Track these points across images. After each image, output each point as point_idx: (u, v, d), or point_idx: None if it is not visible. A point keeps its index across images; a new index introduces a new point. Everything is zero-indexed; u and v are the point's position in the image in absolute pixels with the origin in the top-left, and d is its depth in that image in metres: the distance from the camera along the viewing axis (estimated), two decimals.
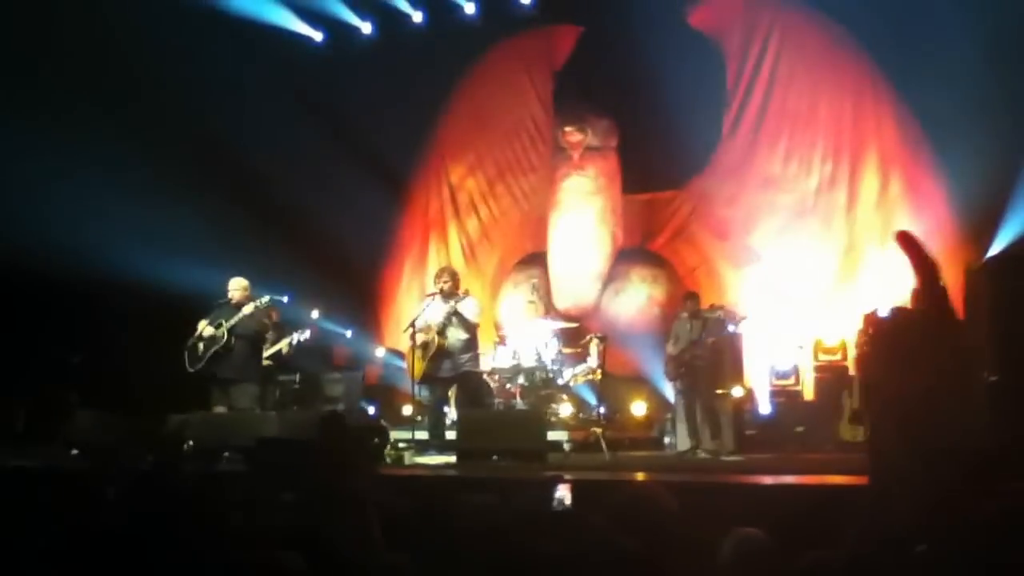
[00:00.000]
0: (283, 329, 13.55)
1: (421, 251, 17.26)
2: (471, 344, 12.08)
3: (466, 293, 12.17)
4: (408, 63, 16.29)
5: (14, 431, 13.48)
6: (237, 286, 12.21)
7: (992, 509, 3.31)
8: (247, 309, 11.96)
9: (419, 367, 11.99)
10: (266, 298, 12.21)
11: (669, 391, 13.22)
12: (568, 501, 5.29)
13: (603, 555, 3.77)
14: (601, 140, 16.09)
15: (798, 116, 14.85)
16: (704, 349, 12.25)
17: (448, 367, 11.97)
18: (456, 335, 11.88)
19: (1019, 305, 10.25)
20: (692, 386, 12.28)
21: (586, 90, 16.02)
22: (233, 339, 11.88)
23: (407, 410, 14.24)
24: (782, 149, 14.95)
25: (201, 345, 11.94)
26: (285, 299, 14.14)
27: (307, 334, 13.53)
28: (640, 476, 9.58)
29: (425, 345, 11.91)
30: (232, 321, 11.91)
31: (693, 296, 12.81)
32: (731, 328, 12.39)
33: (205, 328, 11.95)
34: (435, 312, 11.96)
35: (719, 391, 12.48)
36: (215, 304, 12.26)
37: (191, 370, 11.90)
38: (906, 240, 2.04)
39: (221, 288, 12.40)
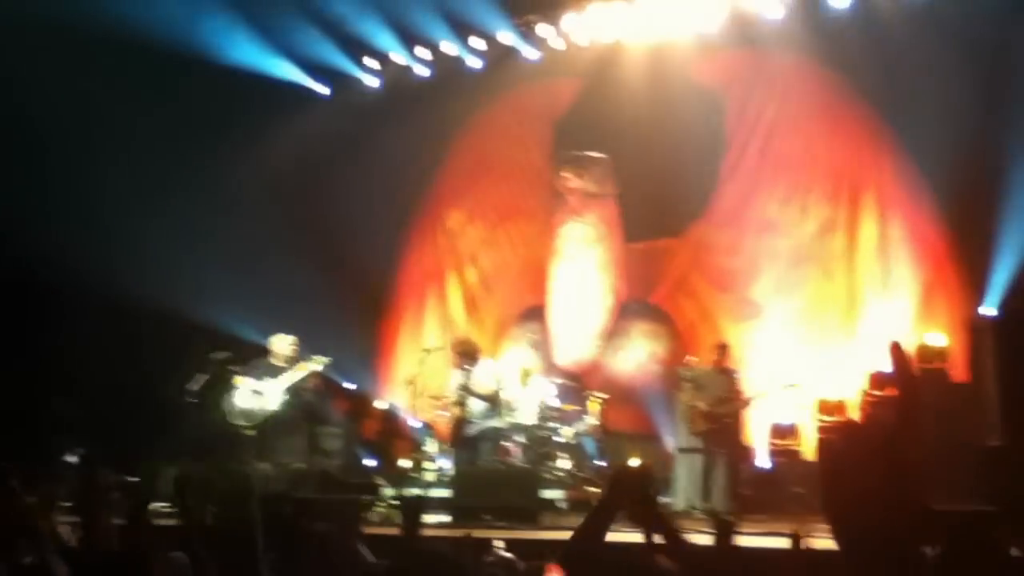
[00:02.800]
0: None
1: (419, 303, 17.18)
2: (492, 406, 12.54)
3: (477, 356, 12.66)
4: (410, 113, 16.33)
5: None
6: (286, 343, 12.17)
7: None
8: (299, 373, 11.97)
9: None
10: (319, 361, 12.12)
11: (671, 447, 13.10)
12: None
13: None
14: (599, 186, 15.98)
15: (797, 159, 14.76)
16: (734, 407, 12.16)
17: (471, 429, 12.53)
18: (474, 403, 12.49)
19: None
20: (721, 443, 12.11)
21: (584, 136, 15.95)
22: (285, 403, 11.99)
23: (405, 463, 14.21)
24: (780, 191, 14.85)
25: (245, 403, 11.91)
26: None
27: None
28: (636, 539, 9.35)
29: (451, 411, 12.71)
30: (286, 384, 12.02)
31: (725, 349, 12.68)
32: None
33: (245, 386, 11.87)
34: (454, 381, 12.61)
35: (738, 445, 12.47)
36: (255, 361, 12.22)
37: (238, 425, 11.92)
38: (896, 354, 1.95)
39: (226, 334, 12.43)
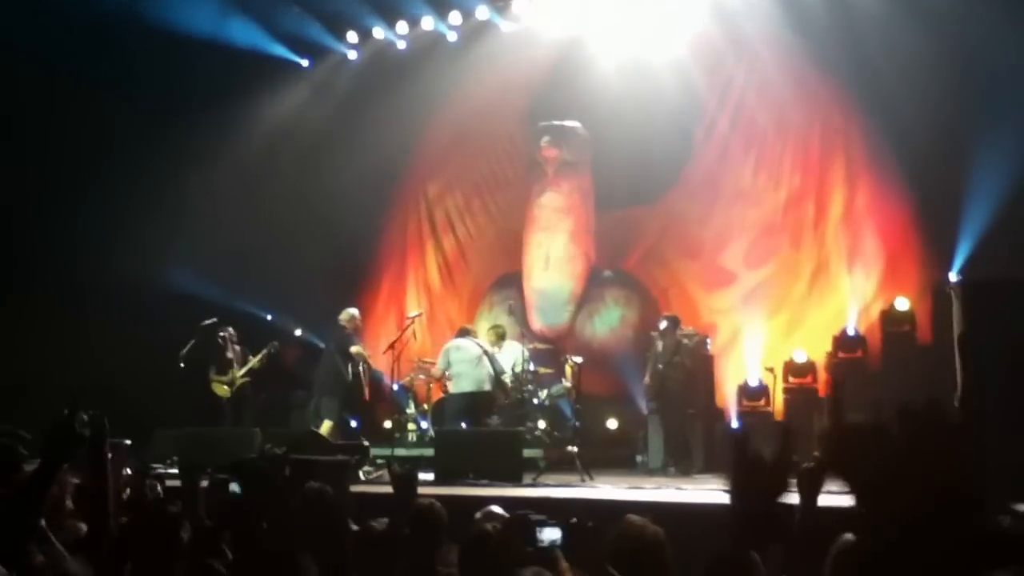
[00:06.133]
0: (246, 349, 13.86)
1: (400, 271, 17.44)
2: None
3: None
4: (391, 87, 16.52)
5: None
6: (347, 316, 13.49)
7: None
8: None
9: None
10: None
11: (643, 410, 13.46)
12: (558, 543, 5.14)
13: None
14: (575, 156, 16.17)
15: (768, 129, 15.03)
16: (676, 370, 12.55)
17: None
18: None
19: (987, 331, 10.32)
20: (666, 406, 12.58)
21: (560, 106, 16.10)
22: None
23: (388, 424, 14.55)
24: (752, 161, 15.13)
25: None
26: (269, 317, 14.55)
27: (276, 345, 13.84)
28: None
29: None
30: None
31: (667, 318, 13.10)
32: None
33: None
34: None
35: (690, 411, 12.79)
36: None
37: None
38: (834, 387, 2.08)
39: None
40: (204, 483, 6.11)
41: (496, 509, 5.81)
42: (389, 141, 16.32)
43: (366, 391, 13.75)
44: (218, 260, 15.02)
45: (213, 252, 15.07)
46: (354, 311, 13.57)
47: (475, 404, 13.05)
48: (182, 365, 13.03)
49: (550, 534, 4.45)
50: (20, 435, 4.20)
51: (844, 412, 2.16)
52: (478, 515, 5.64)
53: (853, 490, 2.32)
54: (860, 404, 2.66)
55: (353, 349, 13.23)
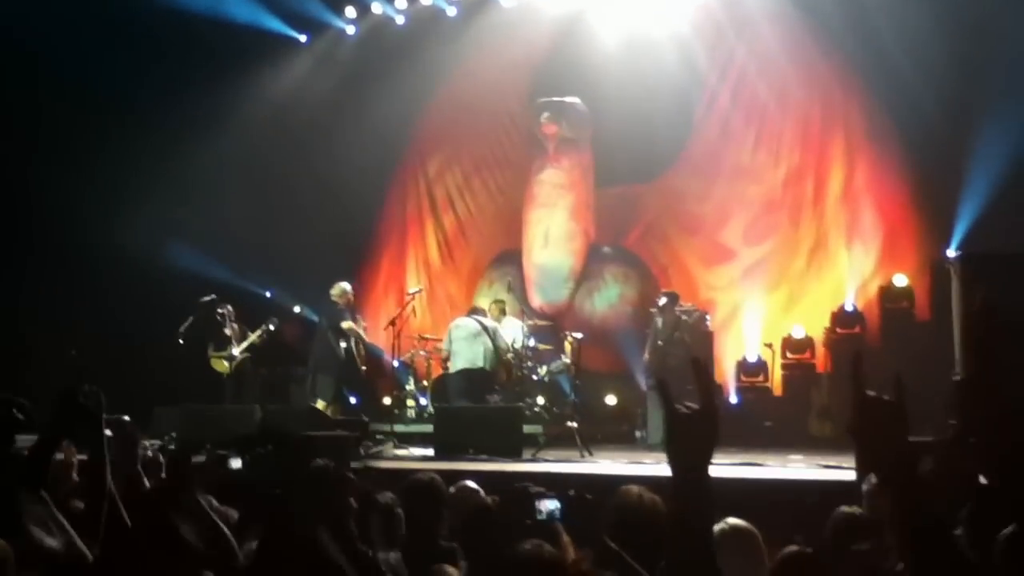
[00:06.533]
0: (244, 327, 13.88)
1: (399, 248, 17.41)
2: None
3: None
4: (392, 63, 16.44)
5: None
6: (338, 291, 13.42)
7: None
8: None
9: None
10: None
11: (643, 386, 13.49)
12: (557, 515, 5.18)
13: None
14: (575, 132, 16.10)
15: (768, 106, 15.00)
16: (676, 347, 12.55)
17: None
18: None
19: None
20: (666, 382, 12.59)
21: (561, 82, 16.03)
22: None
23: (387, 400, 14.58)
24: (752, 137, 15.12)
25: None
26: (268, 295, 14.58)
27: (275, 321, 13.84)
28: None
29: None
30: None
31: (666, 294, 13.11)
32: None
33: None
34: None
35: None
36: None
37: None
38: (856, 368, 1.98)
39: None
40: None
41: (471, 484, 5.83)
42: (388, 118, 16.24)
43: (361, 365, 13.75)
44: (217, 237, 15.01)
45: (212, 229, 15.06)
46: (346, 285, 13.48)
47: (471, 382, 12.92)
48: (180, 342, 13.06)
49: (549, 506, 4.47)
50: (17, 401, 4.19)
51: (865, 386, 2.14)
52: (452, 489, 5.66)
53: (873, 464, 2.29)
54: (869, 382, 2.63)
55: (344, 324, 13.19)
